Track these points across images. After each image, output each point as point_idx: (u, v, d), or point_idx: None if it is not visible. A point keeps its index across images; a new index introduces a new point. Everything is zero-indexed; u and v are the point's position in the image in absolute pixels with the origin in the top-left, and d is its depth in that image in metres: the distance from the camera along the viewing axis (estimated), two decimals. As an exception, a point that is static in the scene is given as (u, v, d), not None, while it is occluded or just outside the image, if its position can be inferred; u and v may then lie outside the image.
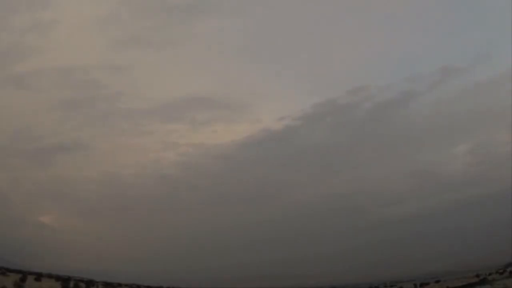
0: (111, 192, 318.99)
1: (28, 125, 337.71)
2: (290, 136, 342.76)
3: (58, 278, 77.00)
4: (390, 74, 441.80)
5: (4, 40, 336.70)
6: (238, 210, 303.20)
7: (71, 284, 65.88)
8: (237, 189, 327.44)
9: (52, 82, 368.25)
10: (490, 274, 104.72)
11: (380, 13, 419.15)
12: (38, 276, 71.35)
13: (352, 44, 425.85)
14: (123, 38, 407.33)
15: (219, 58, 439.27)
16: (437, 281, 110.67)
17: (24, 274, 68.14)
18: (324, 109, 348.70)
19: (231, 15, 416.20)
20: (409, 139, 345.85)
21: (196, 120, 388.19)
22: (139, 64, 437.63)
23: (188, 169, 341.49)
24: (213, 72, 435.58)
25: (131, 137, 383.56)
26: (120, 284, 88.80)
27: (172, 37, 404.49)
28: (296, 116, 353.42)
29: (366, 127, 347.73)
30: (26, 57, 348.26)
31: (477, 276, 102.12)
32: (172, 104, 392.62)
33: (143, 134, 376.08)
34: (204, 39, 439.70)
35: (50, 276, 79.83)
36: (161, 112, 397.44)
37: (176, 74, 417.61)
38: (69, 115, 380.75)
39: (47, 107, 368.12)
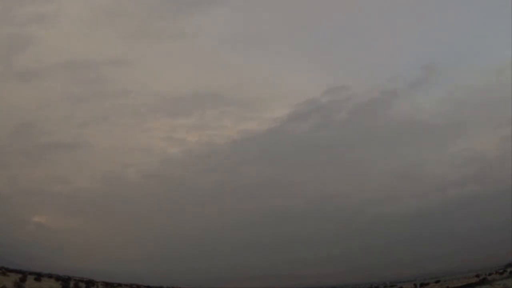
0: (113, 191, 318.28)
1: (30, 121, 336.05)
2: (292, 133, 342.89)
3: (58, 278, 77.10)
4: (371, 73, 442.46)
5: (8, 32, 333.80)
6: (239, 209, 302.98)
7: (71, 284, 65.84)
8: (241, 188, 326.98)
9: (57, 76, 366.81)
10: (490, 274, 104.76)
11: (360, 12, 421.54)
12: (38, 276, 71.32)
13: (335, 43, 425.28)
14: (129, 31, 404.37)
15: (229, 52, 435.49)
16: (437, 281, 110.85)
17: (24, 274, 68.10)
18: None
19: (242, 6, 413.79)
20: (396, 138, 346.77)
21: (204, 115, 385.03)
22: (146, 58, 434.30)
23: (193, 166, 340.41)
24: (223, 66, 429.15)
25: (136, 133, 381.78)
26: (120, 284, 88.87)
27: (180, 30, 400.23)
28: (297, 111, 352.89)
29: (348, 127, 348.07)
30: (30, 51, 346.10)
31: (477, 276, 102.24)
32: (180, 99, 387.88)
33: (149, 130, 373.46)
34: (214, 32, 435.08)
35: (50, 276, 79.95)
36: (168, 107, 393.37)
37: (185, 68, 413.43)
38: (73, 111, 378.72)
39: (50, 103, 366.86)
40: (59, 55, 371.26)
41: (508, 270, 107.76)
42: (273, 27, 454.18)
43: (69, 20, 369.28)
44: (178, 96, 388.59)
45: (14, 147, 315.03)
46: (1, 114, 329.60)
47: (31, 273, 75.65)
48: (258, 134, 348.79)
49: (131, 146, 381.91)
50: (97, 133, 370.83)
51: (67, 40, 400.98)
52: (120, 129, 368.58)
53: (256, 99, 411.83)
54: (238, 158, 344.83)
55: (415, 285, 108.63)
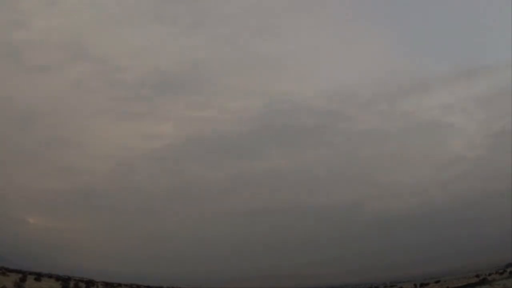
0: (115, 190, 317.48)
1: (31, 116, 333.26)
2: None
3: (58, 278, 77.08)
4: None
5: (14, 22, 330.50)
6: (240, 210, 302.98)
7: (71, 284, 65.82)
8: (241, 187, 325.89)
9: (63, 68, 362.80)
10: (490, 274, 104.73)
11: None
12: (38, 276, 71.30)
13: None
14: (147, 18, 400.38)
15: (250, 40, 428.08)
16: (437, 281, 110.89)
17: (24, 274, 68.08)
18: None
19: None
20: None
21: (223, 107, 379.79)
22: (164, 47, 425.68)
23: (200, 162, 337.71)
24: (244, 56, 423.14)
25: (149, 126, 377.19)
26: (120, 284, 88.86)
27: (201, 18, 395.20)
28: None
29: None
30: (38, 42, 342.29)
31: (477, 276, 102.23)
32: (199, 90, 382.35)
33: (163, 122, 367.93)
34: (235, 19, 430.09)
35: (50, 276, 79.93)
36: (186, 98, 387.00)
37: (203, 58, 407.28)
38: (80, 103, 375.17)
39: (57, 96, 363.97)
40: (68, 44, 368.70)
41: (508, 270, 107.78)
42: (295, 16, 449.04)
43: (79, 7, 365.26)
44: (198, 87, 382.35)
45: (14, 145, 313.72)
46: (8, 109, 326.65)
47: (31, 273, 75.61)
48: (266, 129, 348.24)
49: (136, 142, 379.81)
50: (100, 129, 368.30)
51: (76, 28, 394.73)
52: (133, 121, 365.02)
53: (287, 91, 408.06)
54: (246, 154, 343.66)
55: (415, 285, 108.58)
